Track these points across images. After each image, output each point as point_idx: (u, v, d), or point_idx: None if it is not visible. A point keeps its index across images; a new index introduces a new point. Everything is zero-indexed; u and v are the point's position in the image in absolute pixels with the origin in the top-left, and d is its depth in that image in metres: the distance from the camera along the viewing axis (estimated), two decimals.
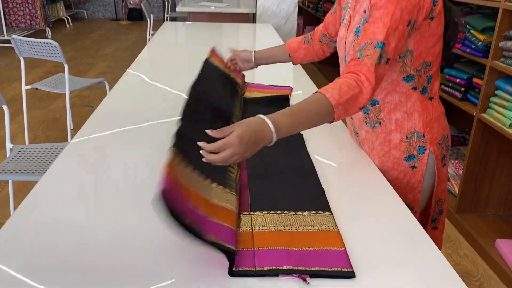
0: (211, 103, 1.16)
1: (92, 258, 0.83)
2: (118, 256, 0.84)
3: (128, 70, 2.18)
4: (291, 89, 1.84)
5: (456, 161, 2.75)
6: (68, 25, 8.76)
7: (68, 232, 0.90)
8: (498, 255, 2.18)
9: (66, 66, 2.92)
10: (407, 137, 1.18)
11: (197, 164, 0.85)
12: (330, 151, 1.31)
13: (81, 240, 0.88)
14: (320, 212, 0.96)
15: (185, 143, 0.86)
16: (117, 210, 0.99)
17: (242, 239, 0.87)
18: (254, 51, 1.56)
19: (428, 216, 1.29)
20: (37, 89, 3.14)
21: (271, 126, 0.89)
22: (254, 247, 0.85)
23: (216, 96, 1.31)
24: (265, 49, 1.57)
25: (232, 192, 0.96)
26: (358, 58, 1.01)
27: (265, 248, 0.84)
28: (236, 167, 1.11)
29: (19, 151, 2.14)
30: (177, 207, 0.71)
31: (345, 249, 0.85)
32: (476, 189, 2.47)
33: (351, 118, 1.30)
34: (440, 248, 1.34)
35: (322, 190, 1.06)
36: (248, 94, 1.74)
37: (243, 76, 1.82)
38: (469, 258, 2.25)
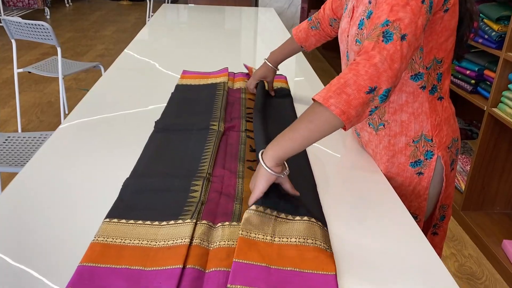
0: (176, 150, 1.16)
1: (77, 249, 0.75)
2: None
3: (124, 50, 2.08)
4: (285, 78, 1.74)
5: (463, 155, 2.64)
6: (67, 5, 8.59)
7: (51, 220, 0.82)
8: (505, 256, 2.09)
9: (59, 50, 2.80)
10: (413, 141, 1.07)
11: (142, 214, 0.88)
12: (331, 152, 1.21)
13: (67, 232, 0.80)
14: (319, 223, 0.86)
15: (134, 196, 0.94)
16: (106, 203, 0.90)
17: (218, 256, 0.77)
18: (267, 59, 1.52)
19: (430, 223, 1.20)
20: (29, 72, 3.03)
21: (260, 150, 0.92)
22: (234, 257, 0.75)
23: (190, 112, 1.39)
24: (277, 50, 1.52)
25: (187, 221, 0.85)
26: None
27: (245, 261, 0.74)
28: (207, 164, 1.07)
29: (6, 140, 2.04)
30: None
31: (335, 274, 0.75)
32: (484, 186, 2.37)
33: None
34: (439, 255, 1.26)
35: (320, 207, 0.95)
36: (238, 85, 1.65)
37: (226, 69, 1.74)
38: (473, 258, 2.17)
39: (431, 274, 0.78)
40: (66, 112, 3.39)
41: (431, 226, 1.20)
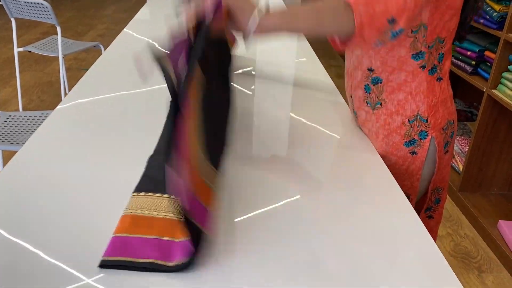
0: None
1: (73, 224, 0.77)
2: (104, 229, 0.77)
3: (124, 30, 2.07)
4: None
5: (462, 137, 2.65)
6: None
7: (49, 196, 0.84)
8: (500, 236, 2.12)
9: (58, 29, 2.80)
10: (408, 120, 1.08)
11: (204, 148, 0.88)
12: (329, 130, 1.22)
13: (63, 208, 0.81)
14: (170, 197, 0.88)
15: (159, 172, 0.94)
16: (99, 180, 0.92)
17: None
18: None
19: (423, 204, 1.21)
20: (29, 51, 3.03)
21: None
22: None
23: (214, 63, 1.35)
24: None
25: (214, 170, 0.89)
26: None
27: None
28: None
29: (7, 118, 2.06)
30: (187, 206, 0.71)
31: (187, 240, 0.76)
32: (481, 168, 2.39)
33: (351, 97, 1.20)
34: (434, 239, 1.28)
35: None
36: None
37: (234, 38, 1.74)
38: (469, 238, 2.20)
39: (424, 254, 0.79)
40: (67, 92, 3.40)
41: (423, 208, 1.22)
